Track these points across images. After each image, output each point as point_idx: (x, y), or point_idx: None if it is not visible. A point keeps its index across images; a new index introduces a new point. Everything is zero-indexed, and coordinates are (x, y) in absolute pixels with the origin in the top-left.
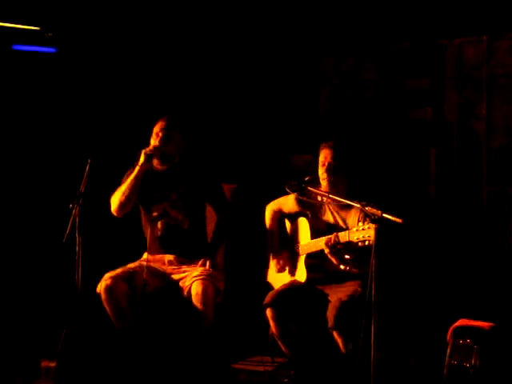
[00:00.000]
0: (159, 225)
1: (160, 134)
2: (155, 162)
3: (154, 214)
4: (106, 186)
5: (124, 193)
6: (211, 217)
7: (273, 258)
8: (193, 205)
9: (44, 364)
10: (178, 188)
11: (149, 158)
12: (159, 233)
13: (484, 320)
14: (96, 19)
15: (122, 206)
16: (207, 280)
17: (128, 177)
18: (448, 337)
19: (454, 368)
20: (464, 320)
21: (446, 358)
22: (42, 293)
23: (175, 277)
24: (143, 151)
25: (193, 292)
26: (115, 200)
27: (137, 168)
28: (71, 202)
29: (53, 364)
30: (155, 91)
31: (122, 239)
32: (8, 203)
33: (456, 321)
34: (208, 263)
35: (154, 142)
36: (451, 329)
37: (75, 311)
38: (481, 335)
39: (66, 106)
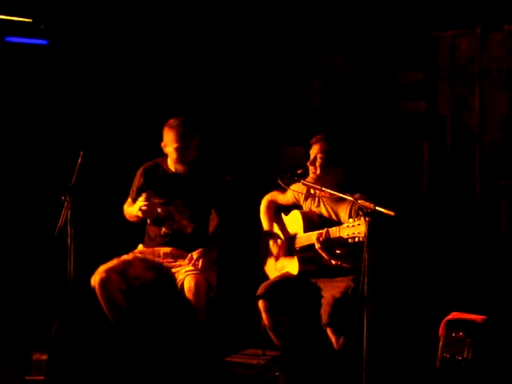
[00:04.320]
0: (162, 225)
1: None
2: (175, 165)
3: (160, 213)
4: (98, 178)
5: (129, 217)
6: (213, 219)
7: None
8: (198, 211)
9: (35, 357)
10: (185, 193)
11: (144, 213)
12: (161, 232)
13: (477, 313)
14: (88, 11)
15: (132, 219)
16: (200, 275)
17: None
18: (440, 330)
19: (447, 361)
20: (457, 313)
21: (439, 351)
22: (33, 285)
23: (169, 269)
24: (139, 208)
25: (185, 286)
26: (128, 214)
27: (136, 212)
28: (63, 195)
29: (44, 357)
30: (147, 83)
31: (114, 231)
32: None
33: (448, 314)
34: (201, 261)
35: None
36: (444, 322)
37: (67, 304)
38: (473, 328)
39: (58, 98)
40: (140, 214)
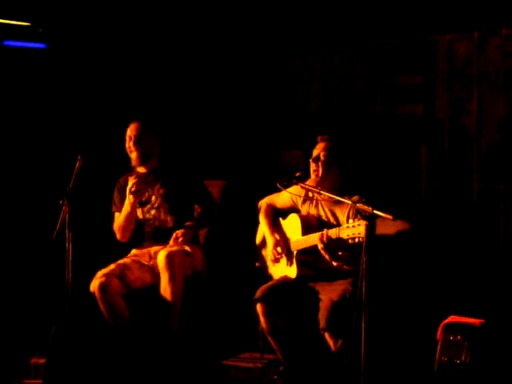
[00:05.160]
0: (145, 227)
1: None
2: (138, 167)
3: (139, 216)
4: (96, 182)
5: (123, 227)
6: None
7: (271, 247)
8: (175, 203)
9: (33, 361)
10: (158, 189)
11: (136, 195)
12: (146, 234)
13: (475, 316)
14: (86, 15)
15: (125, 235)
16: (173, 247)
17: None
18: (438, 333)
19: (445, 365)
20: (454, 317)
21: (437, 355)
22: (31, 290)
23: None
24: (128, 191)
25: (159, 260)
26: (117, 231)
27: (127, 207)
28: (61, 199)
29: (42, 361)
30: (146, 87)
31: (112, 235)
32: None
33: (446, 317)
34: (181, 238)
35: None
36: (442, 325)
37: (65, 308)
38: (471, 332)
39: (56, 102)
40: (131, 198)
